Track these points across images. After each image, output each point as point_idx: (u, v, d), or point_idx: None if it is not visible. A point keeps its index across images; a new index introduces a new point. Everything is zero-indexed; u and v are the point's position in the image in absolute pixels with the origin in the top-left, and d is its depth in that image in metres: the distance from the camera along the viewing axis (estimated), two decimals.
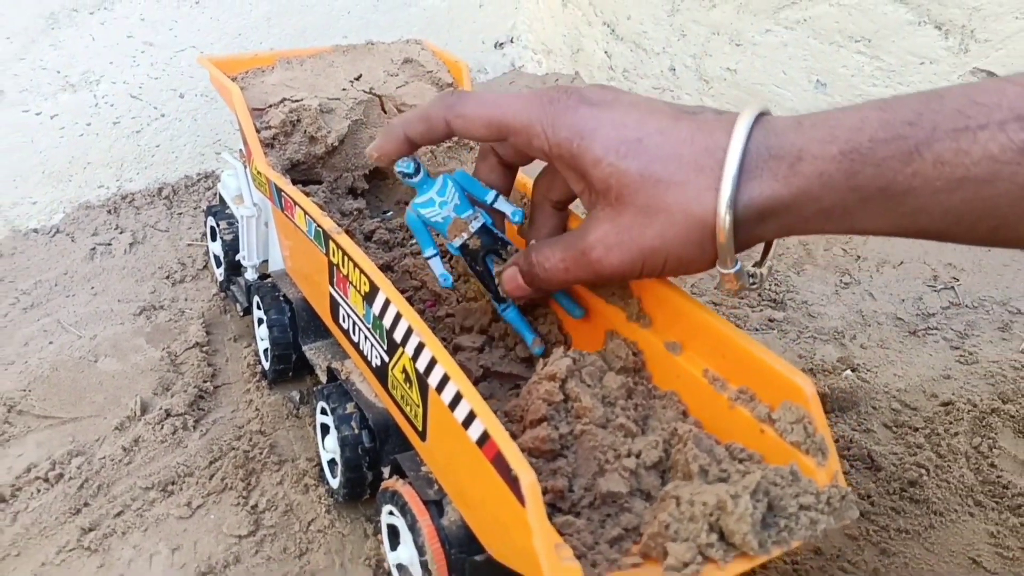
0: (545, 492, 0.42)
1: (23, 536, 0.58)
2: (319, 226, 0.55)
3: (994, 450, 0.63)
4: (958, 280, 0.86)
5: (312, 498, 0.61)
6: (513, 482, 0.36)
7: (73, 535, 0.58)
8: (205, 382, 0.72)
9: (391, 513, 0.50)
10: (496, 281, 0.52)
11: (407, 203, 0.76)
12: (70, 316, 0.83)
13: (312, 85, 0.72)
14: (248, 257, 0.75)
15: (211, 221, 0.84)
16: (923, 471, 0.61)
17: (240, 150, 0.76)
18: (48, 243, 0.96)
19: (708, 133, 0.38)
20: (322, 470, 0.61)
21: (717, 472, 0.41)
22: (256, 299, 0.72)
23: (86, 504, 0.61)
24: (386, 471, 0.54)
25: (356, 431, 0.55)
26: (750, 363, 0.43)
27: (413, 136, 0.48)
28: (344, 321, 0.56)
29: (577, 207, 0.51)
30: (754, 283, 0.41)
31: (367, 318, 0.51)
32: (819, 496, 0.38)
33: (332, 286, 0.57)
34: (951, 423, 0.66)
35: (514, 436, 0.44)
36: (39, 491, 0.62)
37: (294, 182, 0.65)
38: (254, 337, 0.76)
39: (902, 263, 0.90)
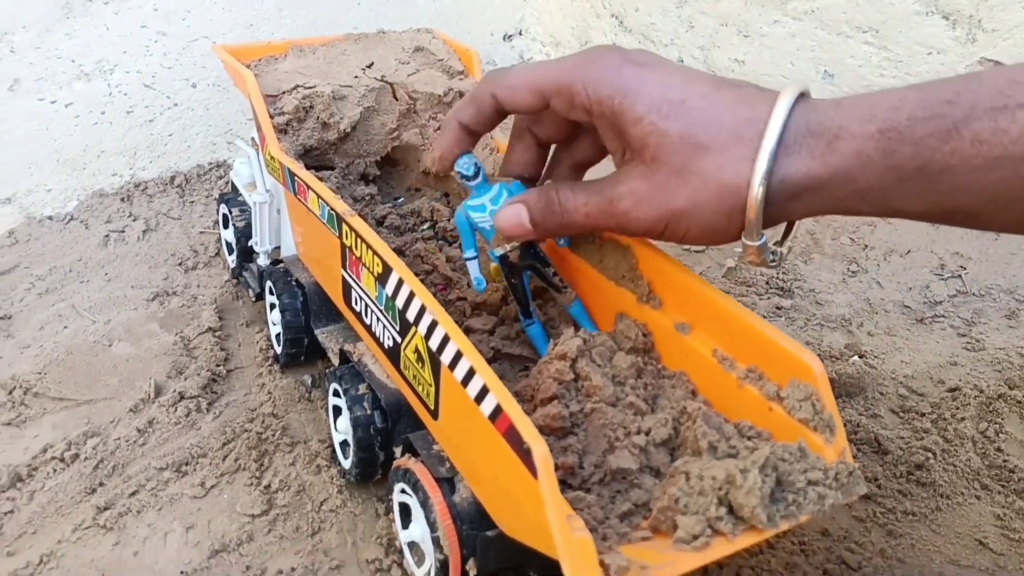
0: (556, 469, 0.43)
1: (40, 514, 0.59)
2: (332, 209, 0.56)
3: (1000, 435, 0.64)
4: (965, 268, 0.87)
5: (324, 479, 0.61)
6: (526, 454, 0.36)
7: (89, 514, 0.59)
8: (218, 366, 0.73)
9: (403, 491, 0.51)
10: (518, 286, 0.53)
11: (418, 189, 0.77)
12: (84, 301, 0.84)
13: (325, 72, 0.73)
14: (260, 243, 0.76)
15: (223, 208, 0.85)
16: (930, 455, 0.62)
17: (253, 138, 0.76)
18: (63, 230, 0.97)
19: (751, 105, 0.38)
20: (334, 451, 0.62)
21: (726, 449, 0.42)
22: (268, 284, 0.73)
23: (101, 484, 0.62)
24: (398, 451, 0.55)
25: (368, 411, 0.56)
26: (759, 342, 0.44)
27: (465, 121, 0.48)
28: (356, 304, 0.57)
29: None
30: (774, 261, 0.41)
31: (379, 299, 0.52)
32: (827, 472, 0.39)
33: (344, 269, 0.57)
34: (958, 408, 0.66)
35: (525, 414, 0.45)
36: (55, 471, 0.63)
37: (307, 168, 0.65)
38: (266, 322, 0.77)
39: (909, 252, 0.90)
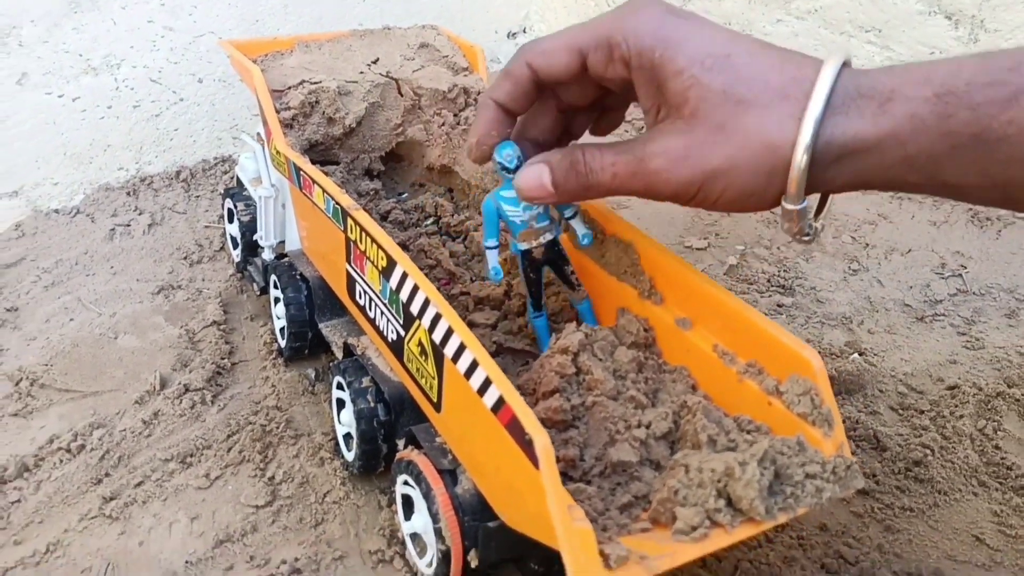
0: (557, 461, 0.43)
1: (46, 504, 0.60)
2: (337, 203, 0.56)
3: (999, 432, 0.64)
4: (966, 268, 0.87)
5: (327, 471, 0.62)
6: (527, 445, 0.37)
7: (95, 504, 0.60)
8: (222, 359, 0.74)
9: (406, 483, 0.52)
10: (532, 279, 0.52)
11: (422, 185, 0.78)
12: (90, 294, 0.84)
13: (330, 68, 0.73)
14: (265, 237, 0.76)
15: (229, 203, 0.85)
16: (928, 451, 0.62)
17: (258, 133, 0.77)
18: (69, 223, 0.98)
19: (797, 65, 0.37)
20: (337, 444, 0.63)
21: (725, 442, 0.42)
22: (273, 278, 0.73)
23: (107, 474, 0.62)
24: (401, 444, 0.56)
25: (372, 404, 0.57)
26: (759, 338, 0.45)
27: (500, 99, 0.46)
28: (360, 297, 0.57)
29: None
30: (809, 235, 0.39)
31: (384, 293, 0.52)
32: (825, 465, 0.39)
33: (349, 263, 0.58)
34: (957, 406, 0.67)
35: None
36: (61, 461, 0.63)
37: (312, 163, 0.66)
38: (270, 316, 0.77)
39: (910, 251, 0.91)
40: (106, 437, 0.65)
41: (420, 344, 0.48)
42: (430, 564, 0.50)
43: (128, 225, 0.97)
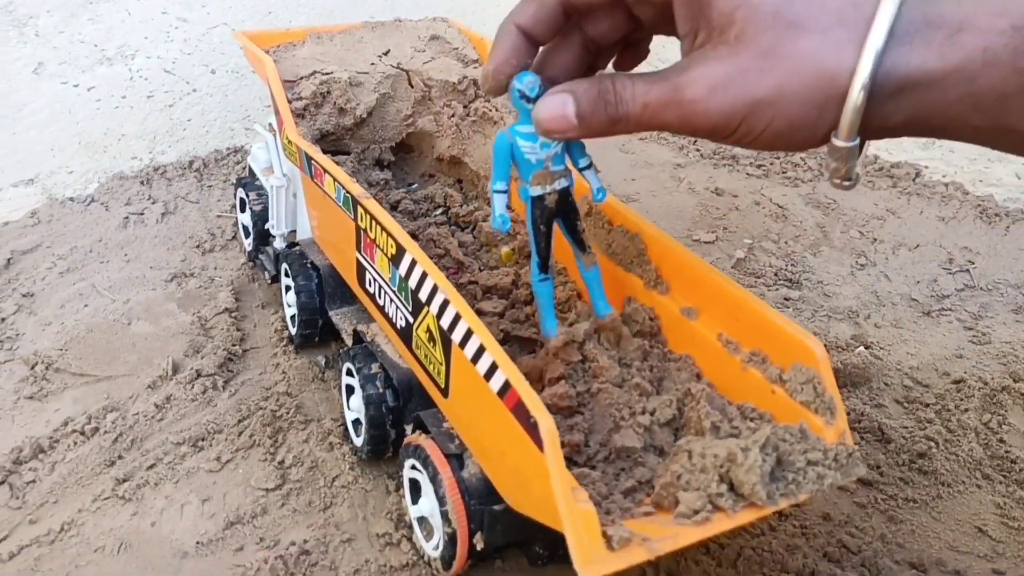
0: (562, 446, 0.44)
1: (60, 485, 0.61)
2: (348, 192, 0.57)
3: (1003, 426, 0.64)
4: (973, 263, 0.87)
5: (336, 456, 0.63)
6: (532, 428, 0.37)
7: (108, 485, 0.61)
8: (234, 345, 0.75)
9: (414, 467, 0.52)
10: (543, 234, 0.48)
11: (432, 175, 0.79)
12: (104, 281, 0.85)
13: (342, 59, 0.74)
14: (277, 226, 0.77)
15: (241, 193, 0.86)
16: (932, 444, 0.62)
17: (270, 123, 0.78)
18: (83, 211, 0.99)
19: None
20: (346, 430, 0.64)
21: (728, 429, 0.43)
22: (284, 267, 0.74)
23: (120, 457, 0.64)
24: (408, 429, 0.56)
25: (380, 390, 0.57)
26: (763, 327, 0.45)
27: (524, 23, 0.42)
28: (370, 285, 0.58)
29: None
30: (851, 180, 0.36)
31: (393, 280, 0.53)
32: (827, 452, 0.40)
33: (359, 251, 0.59)
34: (962, 400, 0.67)
35: None
36: (76, 443, 0.65)
37: (323, 152, 0.67)
38: (281, 304, 0.78)
39: (918, 246, 0.91)
40: (119, 420, 0.66)
41: (428, 330, 0.49)
42: (437, 547, 0.51)
43: (142, 213, 0.98)
